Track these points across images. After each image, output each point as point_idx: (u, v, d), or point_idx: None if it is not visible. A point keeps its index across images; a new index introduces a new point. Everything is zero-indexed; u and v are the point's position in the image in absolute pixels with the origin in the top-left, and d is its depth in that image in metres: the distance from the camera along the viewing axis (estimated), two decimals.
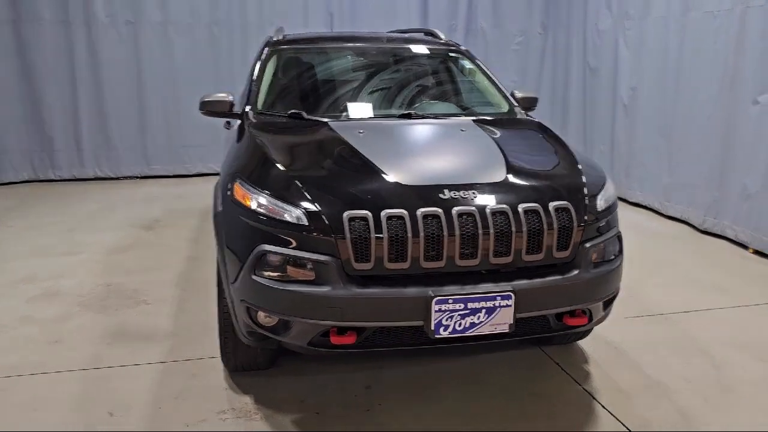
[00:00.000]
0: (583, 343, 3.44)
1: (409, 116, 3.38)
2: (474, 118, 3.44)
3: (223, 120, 5.42)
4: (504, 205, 2.41)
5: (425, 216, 2.35)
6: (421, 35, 4.56)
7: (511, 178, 2.58)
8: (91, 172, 7.92)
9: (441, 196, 2.42)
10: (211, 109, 3.58)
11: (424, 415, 2.77)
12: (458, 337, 2.36)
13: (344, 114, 3.43)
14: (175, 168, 8.14)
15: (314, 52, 3.94)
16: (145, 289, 4.25)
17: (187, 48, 7.88)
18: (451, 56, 4.07)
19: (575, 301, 2.51)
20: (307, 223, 2.36)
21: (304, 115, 3.34)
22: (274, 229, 2.41)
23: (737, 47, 5.25)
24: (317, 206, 2.38)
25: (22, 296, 4.13)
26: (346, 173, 2.65)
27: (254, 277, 2.43)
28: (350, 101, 3.60)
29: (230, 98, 3.56)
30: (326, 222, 2.34)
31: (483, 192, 2.46)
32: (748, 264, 4.93)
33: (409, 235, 2.32)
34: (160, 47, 7.80)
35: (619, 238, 2.73)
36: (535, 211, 2.44)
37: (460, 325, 2.33)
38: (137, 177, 8.04)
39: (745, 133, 5.20)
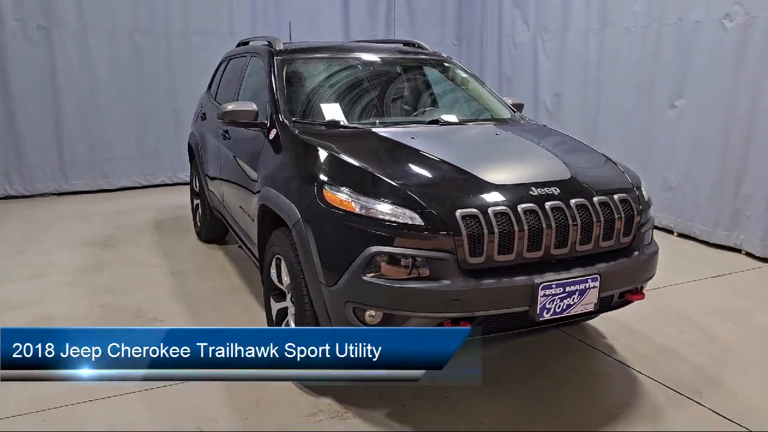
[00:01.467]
0: (592, 322, 3.87)
1: (436, 122, 3.62)
2: (493, 123, 3.76)
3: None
4: (583, 199, 2.74)
5: (525, 211, 2.61)
6: (398, 45, 4.79)
7: (576, 175, 2.91)
8: (1, 190, 7.24)
9: (531, 193, 2.69)
10: (236, 118, 3.57)
11: (496, 401, 3.00)
12: (556, 318, 2.64)
13: (378, 121, 3.59)
14: (97, 183, 7.67)
15: (324, 62, 4.04)
16: (147, 307, 4.09)
17: (108, 55, 7.46)
18: (446, 66, 4.35)
19: (638, 280, 2.90)
20: (422, 223, 2.52)
21: (342, 122, 3.46)
22: (384, 230, 2.54)
23: (654, 59, 6.04)
24: (429, 207, 2.56)
25: (13, 324, 3.80)
26: (438, 175, 2.82)
27: (365, 277, 2.54)
28: (375, 109, 3.77)
29: (255, 107, 3.58)
30: (442, 221, 2.52)
31: (562, 188, 2.77)
32: (678, 245, 5.71)
33: (516, 229, 2.57)
34: (77, 54, 7.31)
35: (653, 225, 3.16)
36: (606, 203, 2.79)
37: (559, 307, 2.62)
38: (54, 194, 7.47)
39: (665, 134, 6.00)
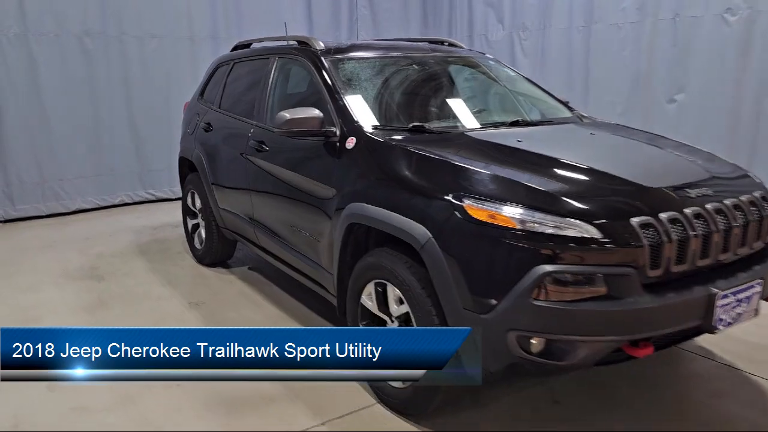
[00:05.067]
0: None
1: (517, 123, 3.36)
2: (571, 122, 3.55)
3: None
4: (735, 199, 2.55)
5: (694, 215, 2.39)
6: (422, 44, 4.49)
7: (713, 174, 2.72)
8: None
9: (688, 195, 2.47)
10: (299, 127, 3.14)
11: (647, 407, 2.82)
12: (726, 328, 2.44)
13: (459, 124, 3.26)
14: (49, 206, 6.79)
15: (376, 62, 3.65)
16: None
17: (54, 63, 6.61)
18: (492, 64, 4.10)
19: None
20: (600, 236, 2.24)
21: (427, 127, 3.12)
22: (554, 246, 2.24)
23: (649, 54, 6.08)
24: (603, 216, 2.28)
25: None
26: (587, 181, 2.54)
27: (535, 301, 2.23)
28: (444, 111, 3.45)
29: (320, 114, 3.17)
30: (620, 232, 2.25)
31: (711, 188, 2.57)
32: None
33: (690, 235, 2.34)
34: (18, 62, 6.42)
35: None
36: (752, 202, 2.61)
37: (730, 316, 2.42)
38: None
39: (665, 127, 6.03)
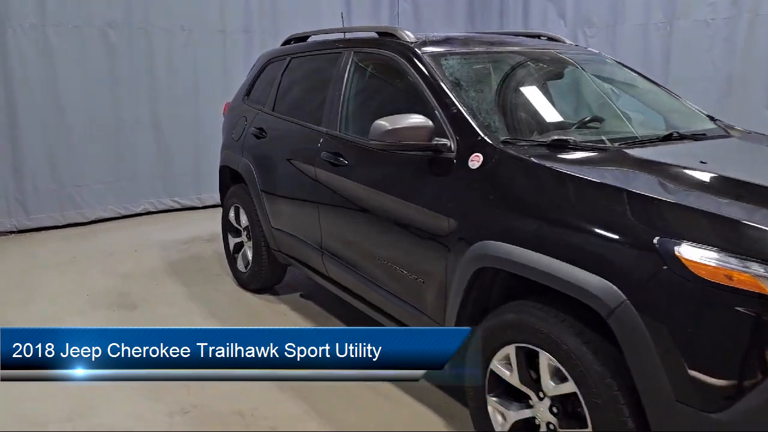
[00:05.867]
0: None
1: (670, 137, 2.68)
2: (726, 135, 2.88)
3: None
4: None
5: None
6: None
7: None
8: None
9: None
10: (405, 139, 2.47)
11: None
12: None
13: (604, 138, 2.57)
14: (66, 216, 6.11)
15: (486, 58, 2.98)
16: (249, 405, 2.88)
17: (74, 57, 5.94)
18: (608, 63, 3.43)
19: None
20: None
21: (572, 141, 2.44)
22: None
23: (745, 53, 5.39)
24: None
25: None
26: None
27: None
28: (583, 120, 2.77)
29: (431, 123, 2.50)
30: None
31: None
32: None
33: None
34: (35, 56, 5.76)
35: None
36: None
37: None
38: (11, 232, 5.88)
39: None
